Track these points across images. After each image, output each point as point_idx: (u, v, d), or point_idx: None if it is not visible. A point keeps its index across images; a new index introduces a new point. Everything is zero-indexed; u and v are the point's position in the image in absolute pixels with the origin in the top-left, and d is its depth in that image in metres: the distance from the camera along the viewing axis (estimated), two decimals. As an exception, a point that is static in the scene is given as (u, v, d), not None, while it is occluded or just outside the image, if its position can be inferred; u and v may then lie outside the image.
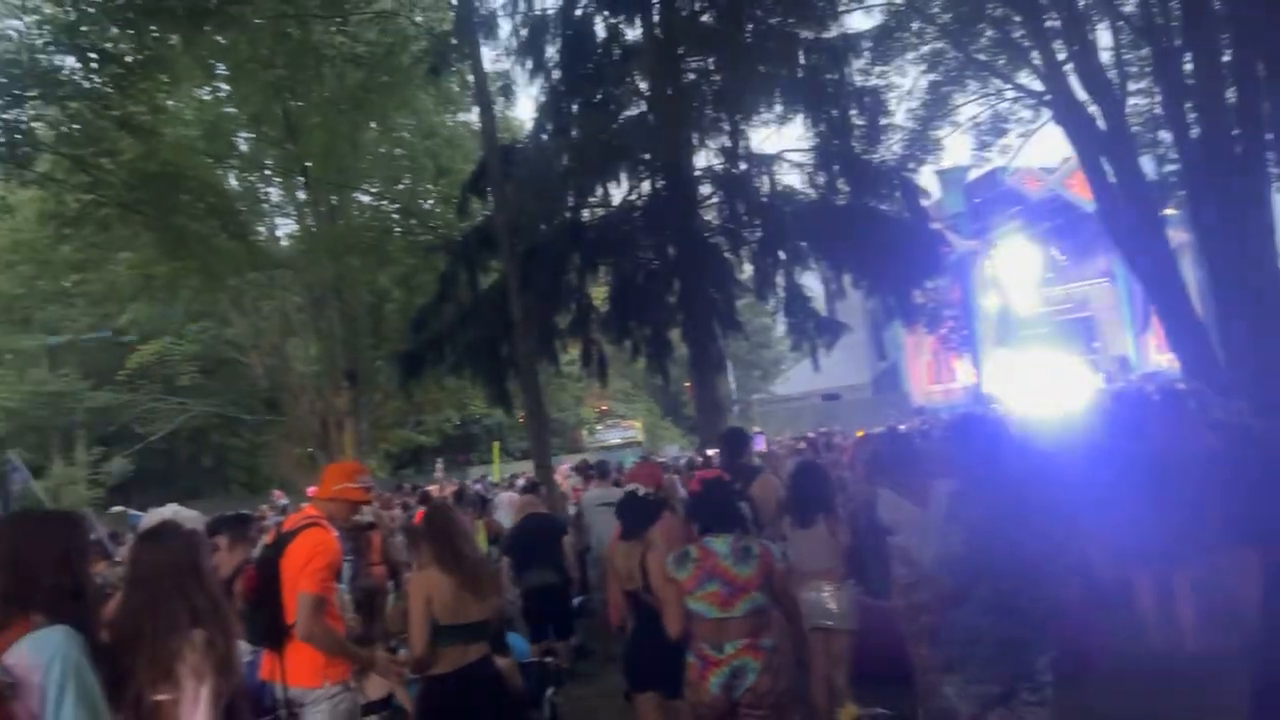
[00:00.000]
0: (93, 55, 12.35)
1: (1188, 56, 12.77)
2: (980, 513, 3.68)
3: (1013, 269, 32.39)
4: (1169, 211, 18.14)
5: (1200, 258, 14.99)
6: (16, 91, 12.21)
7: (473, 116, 24.71)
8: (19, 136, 12.61)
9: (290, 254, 23.22)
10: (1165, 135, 14.44)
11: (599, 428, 38.00)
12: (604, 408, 38.49)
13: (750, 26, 14.35)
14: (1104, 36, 14.94)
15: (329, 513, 4.05)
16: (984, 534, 3.69)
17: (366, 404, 24.33)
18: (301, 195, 23.48)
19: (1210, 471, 6.44)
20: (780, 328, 20.77)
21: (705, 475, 4.36)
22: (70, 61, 12.64)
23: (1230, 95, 12.06)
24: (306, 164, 19.80)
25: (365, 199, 23.70)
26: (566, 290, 15.04)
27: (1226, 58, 12.15)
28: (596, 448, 33.54)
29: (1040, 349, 30.97)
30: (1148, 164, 15.61)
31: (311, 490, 4.49)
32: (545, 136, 15.19)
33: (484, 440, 35.13)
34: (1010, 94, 16.92)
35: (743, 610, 3.76)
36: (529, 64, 15.14)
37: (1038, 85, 15.29)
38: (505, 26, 15.71)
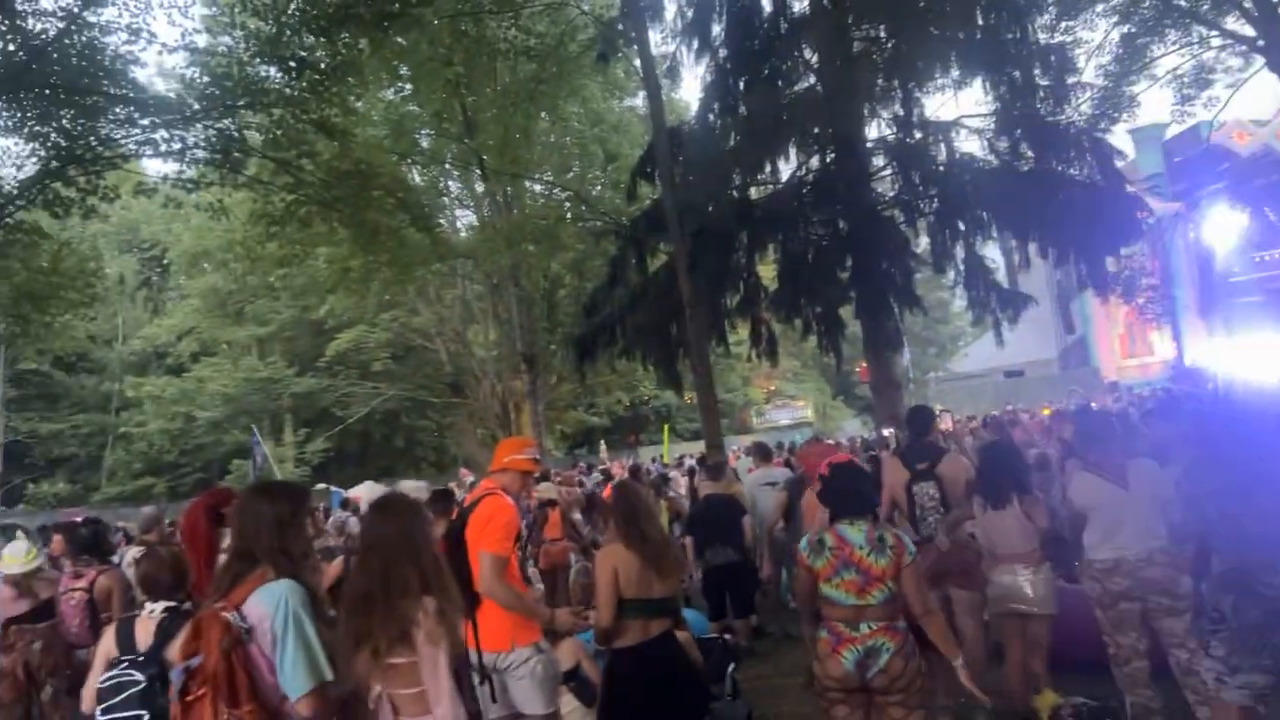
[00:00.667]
0: (292, 64, 13.32)
1: None
2: (1211, 489, 3.48)
3: (1219, 232, 29.69)
4: None
5: None
6: (229, 103, 13.33)
7: (639, 101, 25.07)
8: (232, 143, 13.79)
9: (470, 244, 24.29)
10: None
11: (768, 408, 37.73)
12: (772, 388, 38.17)
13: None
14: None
15: (503, 484, 4.27)
16: (1210, 510, 3.48)
17: (542, 386, 25.18)
18: (479, 187, 24.50)
19: None
20: (959, 302, 19.91)
21: (836, 460, 4.28)
22: (273, 71, 13.69)
23: None
24: (483, 157, 20.59)
25: (538, 188, 24.47)
26: (735, 270, 15.00)
27: None
28: (765, 428, 33.34)
29: (1252, 318, 28.29)
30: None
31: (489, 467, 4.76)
32: (712, 116, 15.15)
33: (653, 421, 35.66)
34: (1216, 41, 15.53)
35: (879, 599, 3.70)
36: (695, 43, 15.12)
37: (1248, 30, 13.99)
38: (671, 8, 15.76)
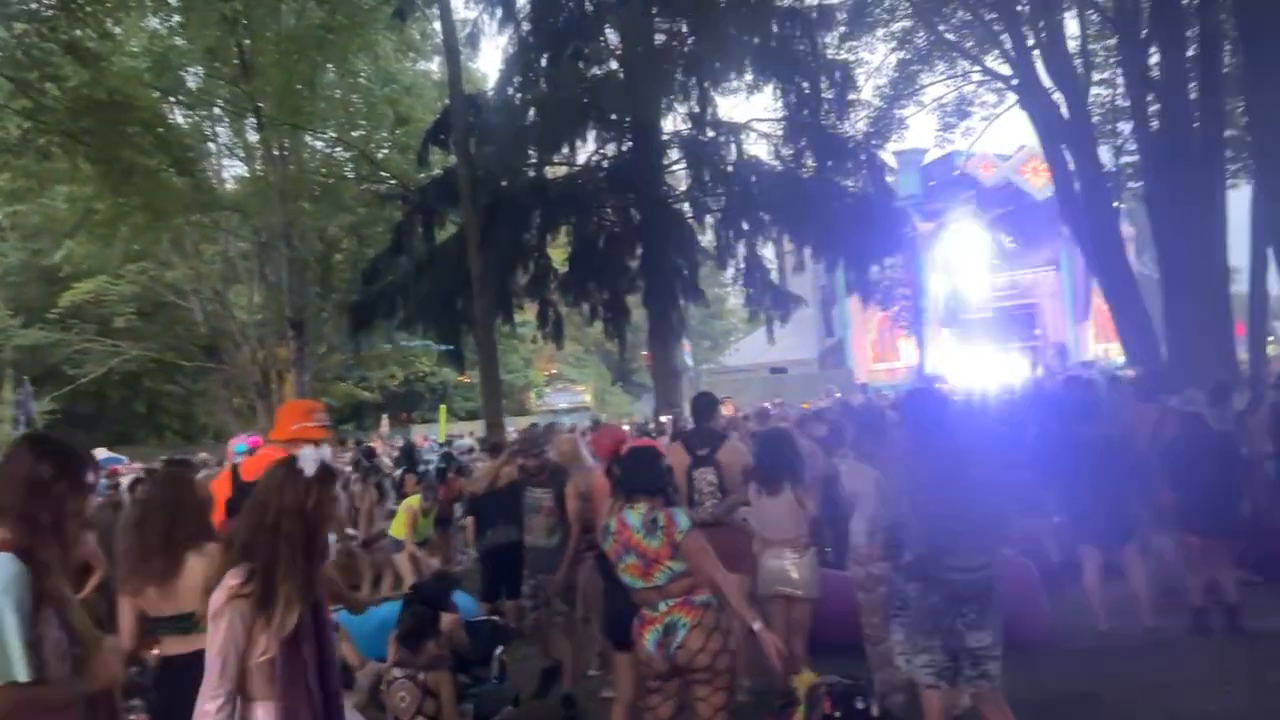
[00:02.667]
0: (39, -27, 11.75)
1: (1154, 49, 12.95)
2: (920, 480, 3.71)
3: (962, 253, 32.82)
4: (1119, 205, 18.52)
5: (1153, 248, 15.33)
6: (-45, 8, 11.57)
7: (436, 65, 24.18)
8: (-44, 55, 11.99)
9: (238, 196, 22.47)
10: (1124, 126, 14.65)
11: (548, 391, 37.78)
12: (554, 371, 38.27)
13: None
14: (1072, 25, 15.08)
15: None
16: (922, 501, 3.73)
17: (310, 355, 23.79)
18: (252, 137, 22.71)
19: (1161, 458, 6.62)
20: (733, 298, 20.77)
21: (636, 444, 4.30)
22: (14, -20, 12.02)
23: (1192, 90, 12.27)
24: (259, 104, 19.11)
25: (319, 144, 23.02)
26: (526, 248, 14.83)
27: (1191, 52, 12.34)
28: (543, 411, 33.34)
29: (984, 333, 31.60)
30: (1105, 154, 15.84)
31: (270, 435, 4.31)
32: (511, 89, 14.88)
33: (428, 399, 34.72)
34: (977, 76, 17.03)
35: (662, 579, 3.68)
36: (499, 13, 14.78)
37: (1005, 69, 15.40)
38: (475, -29, 15.30)
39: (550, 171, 15.18)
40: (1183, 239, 12.16)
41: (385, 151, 22.73)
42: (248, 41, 19.14)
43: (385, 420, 25.65)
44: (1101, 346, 30.63)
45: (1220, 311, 12.02)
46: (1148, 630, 6.01)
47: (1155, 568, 6.53)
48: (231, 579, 2.41)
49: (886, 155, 17.40)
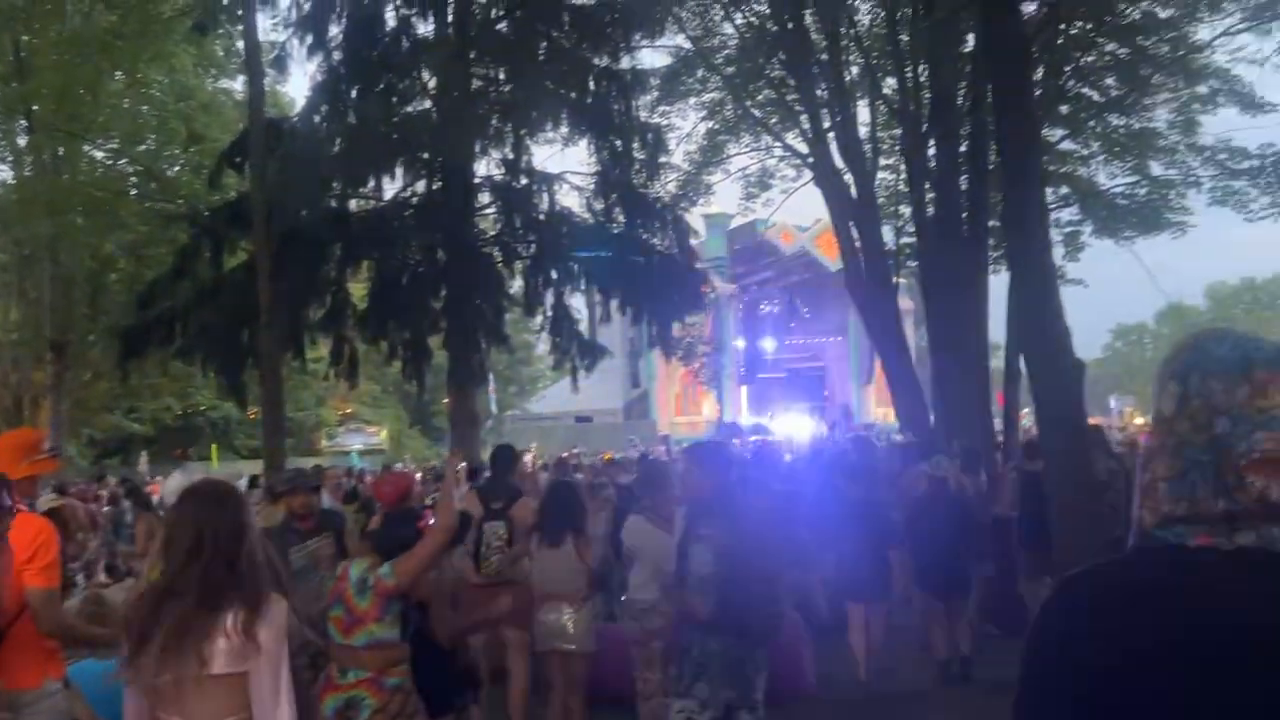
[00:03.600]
0: None
1: (931, 142, 14.17)
2: (724, 533, 3.78)
3: (760, 316, 34.59)
4: (898, 280, 20.04)
5: (925, 322, 16.64)
6: None
7: (238, 85, 23.02)
8: None
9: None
10: (905, 209, 15.89)
11: (340, 431, 36.11)
12: (348, 411, 36.68)
13: (545, 45, 14.34)
14: (864, 113, 16.29)
15: (22, 493, 3.49)
16: (728, 555, 3.81)
17: (71, 381, 21.72)
18: (21, 140, 20.73)
19: (912, 520, 7.10)
20: (543, 345, 20.79)
21: (403, 509, 4.25)
22: None
23: (963, 181, 13.50)
24: (33, 106, 17.50)
25: (99, 154, 21.30)
26: (323, 282, 14.23)
27: (964, 148, 13.59)
28: (334, 452, 31.85)
29: (778, 392, 33.30)
30: (888, 233, 17.12)
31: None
32: (318, 118, 14.36)
33: (208, 434, 32.36)
34: (779, 152, 18.00)
35: (360, 642, 3.55)
36: (309, 39, 14.28)
37: (803, 148, 16.40)
38: (286, -4, 14.75)
39: (356, 204, 14.72)
40: (950, 315, 13.27)
41: (176, 170, 21.34)
42: (25, 38, 17.55)
43: (145, 458, 23.66)
44: (881, 410, 32.91)
45: (981, 383, 13.16)
46: (861, 684, 6.33)
47: (915, 623, 6.98)
48: None
49: (694, 218, 18.06)
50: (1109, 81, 14.91)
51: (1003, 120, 8.47)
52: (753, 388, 34.52)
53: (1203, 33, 14.32)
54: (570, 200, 15.50)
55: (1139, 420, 28.18)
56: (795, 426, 26.29)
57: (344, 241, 13.93)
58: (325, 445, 34.47)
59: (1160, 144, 15.46)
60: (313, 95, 14.60)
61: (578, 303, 16.64)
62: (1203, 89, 15.08)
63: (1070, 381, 7.49)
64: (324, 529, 5.20)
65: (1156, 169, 15.68)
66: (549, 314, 15.24)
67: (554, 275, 14.86)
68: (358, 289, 15.45)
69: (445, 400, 24.14)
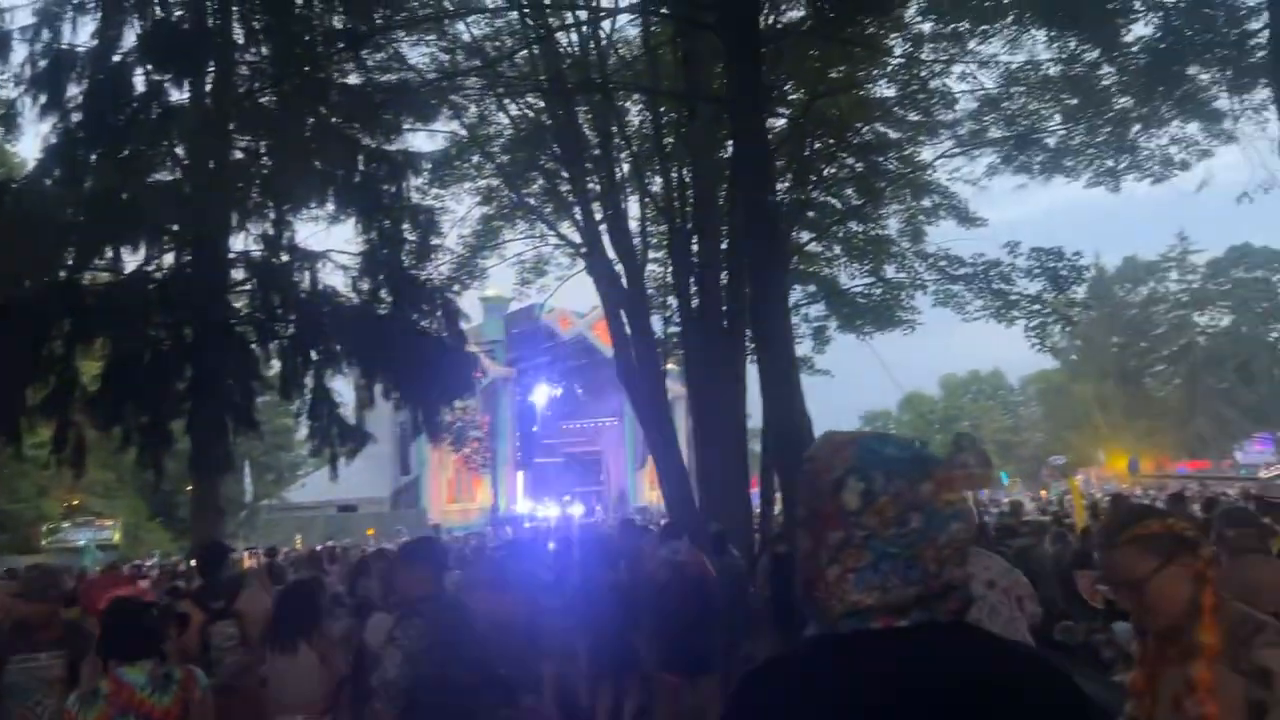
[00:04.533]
0: None
1: (695, 237, 14.96)
2: (420, 638, 3.60)
3: (539, 399, 34.63)
4: (669, 366, 20.80)
5: (689, 408, 17.27)
6: None
7: (-44, 139, 20.69)
8: None
9: None
10: (673, 300, 16.59)
11: (65, 525, 32.16)
12: (75, 502, 32.80)
13: (312, 121, 13.96)
14: (635, 208, 17.00)
15: None
16: (422, 662, 3.64)
17: None
18: None
19: (657, 602, 7.25)
20: (303, 430, 19.69)
21: (120, 596, 3.87)
22: None
23: (724, 275, 14.31)
24: None
25: None
26: (48, 360, 12.80)
27: (725, 245, 14.44)
28: (58, 549, 28.29)
29: (555, 477, 33.26)
30: (657, 323, 17.80)
31: None
32: (50, 181, 13.11)
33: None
34: (554, 240, 18.37)
35: None
36: (43, 98, 13.12)
37: (577, 237, 16.85)
38: (21, 51, 13.52)
39: (89, 277, 13.43)
40: (711, 403, 13.88)
41: None
42: None
43: None
44: (655, 493, 33.65)
45: (740, 468, 13.77)
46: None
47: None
48: None
49: (470, 300, 17.92)
50: (849, 192, 16.45)
51: (749, 223, 9.09)
52: (529, 472, 34.29)
53: (926, 154, 16.20)
54: (335, 279, 14.98)
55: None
56: (570, 511, 26.29)
57: (74, 317, 12.64)
58: (47, 541, 30.54)
59: (893, 249, 17.18)
60: (45, 158, 13.35)
61: (340, 386, 15.94)
62: (927, 203, 16.97)
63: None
64: (68, 645, 4.45)
65: (890, 271, 17.38)
66: (308, 397, 14.48)
67: (314, 356, 14.19)
68: (90, 367, 14.01)
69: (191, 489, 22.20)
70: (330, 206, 14.74)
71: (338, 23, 14.41)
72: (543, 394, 34.31)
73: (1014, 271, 15.57)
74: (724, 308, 14.16)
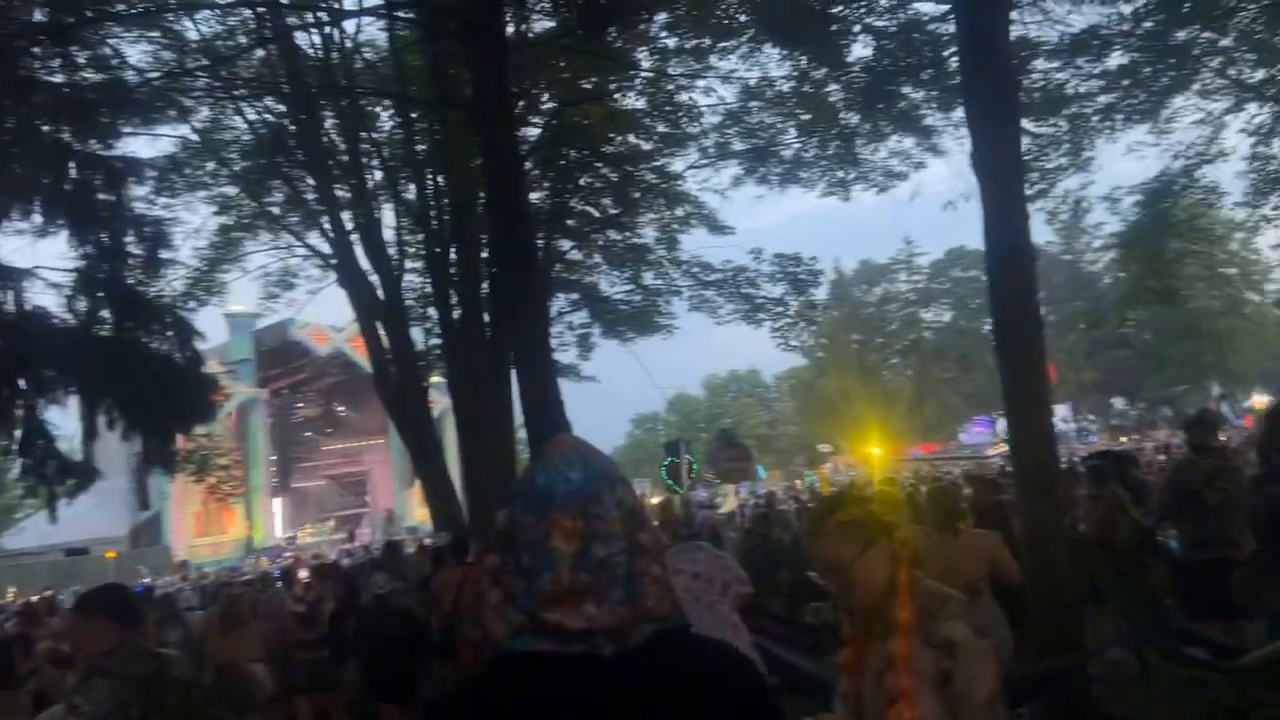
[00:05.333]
0: None
1: (455, 247, 14.67)
2: (103, 702, 3.20)
3: (295, 419, 32.70)
4: (435, 379, 20.32)
5: (456, 423, 16.91)
6: None
7: None
8: None
9: None
10: (433, 312, 16.20)
11: None
12: None
13: (13, 123, 12.41)
14: (390, 216, 16.44)
15: None
16: None
17: None
18: None
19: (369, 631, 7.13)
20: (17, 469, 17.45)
21: None
22: None
23: (485, 286, 14.12)
24: None
25: None
26: None
27: (485, 254, 14.25)
28: None
29: (316, 501, 31.50)
30: (419, 335, 17.33)
31: None
32: None
33: None
34: (302, 251, 17.42)
35: None
36: None
37: (327, 248, 16.06)
38: None
39: None
40: (478, 415, 13.63)
41: None
42: None
43: None
44: (425, 511, 32.75)
45: (510, 483, 13.61)
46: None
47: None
48: None
49: (210, 318, 16.63)
50: (606, 200, 16.77)
51: (500, 232, 9.01)
52: (287, 499, 32.30)
53: (677, 164, 16.82)
54: (46, 299, 13.36)
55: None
56: (332, 537, 25.04)
57: None
58: None
59: (650, 257, 17.70)
60: None
61: (60, 417, 14.26)
62: (680, 212, 17.61)
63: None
64: None
65: (648, 279, 17.90)
66: (19, 432, 12.83)
67: (23, 386, 12.59)
68: None
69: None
70: (37, 218, 13.14)
71: (40, 14, 12.92)
72: (299, 414, 32.43)
73: (759, 277, 16.51)
74: (486, 318, 13.97)
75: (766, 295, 16.69)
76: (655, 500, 31.10)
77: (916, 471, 22.23)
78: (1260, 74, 15.16)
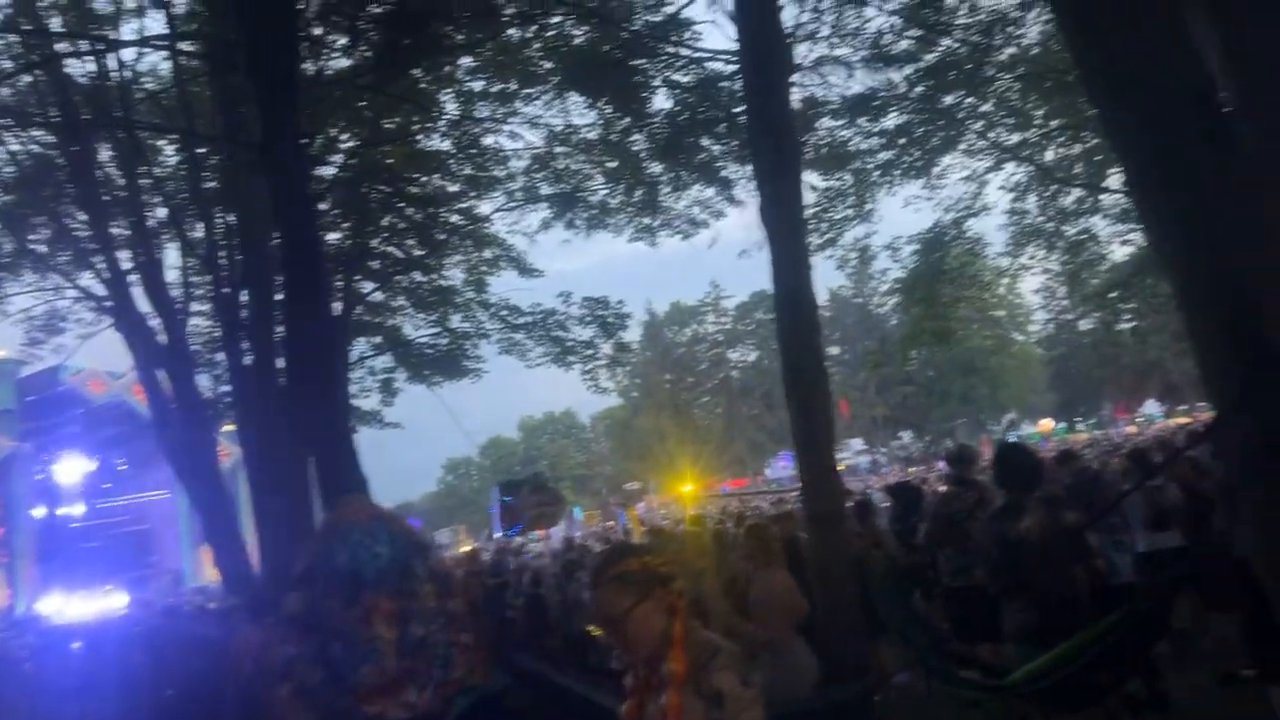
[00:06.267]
0: None
1: (245, 289, 13.88)
2: None
3: (68, 475, 29.72)
4: (228, 427, 19.07)
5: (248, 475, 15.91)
6: None
7: None
8: None
9: None
10: (223, 357, 15.26)
11: None
12: None
13: None
14: (174, 256, 15.42)
15: None
16: None
17: None
18: None
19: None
20: None
21: None
22: None
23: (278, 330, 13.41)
24: None
25: None
26: None
27: (278, 296, 13.55)
28: None
29: (90, 564, 28.62)
30: (206, 382, 16.25)
31: None
32: None
33: None
34: (72, 293, 16.06)
35: None
36: None
37: (101, 289, 14.89)
38: None
39: None
40: (272, 467, 12.85)
41: None
42: None
43: None
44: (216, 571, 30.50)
45: (298, 535, 12.89)
46: None
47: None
48: None
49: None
50: (410, 242, 16.41)
51: (289, 273, 8.62)
52: (54, 563, 29.22)
53: (485, 206, 16.73)
54: None
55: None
56: (107, 604, 22.87)
57: None
58: None
59: (458, 300, 17.44)
60: None
61: None
62: (488, 254, 17.49)
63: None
64: None
65: (456, 321, 17.62)
66: None
67: None
68: None
69: None
70: None
71: None
72: (71, 469, 29.52)
73: (569, 320, 16.61)
74: (280, 363, 13.27)
75: (576, 338, 16.81)
76: (465, 548, 30.53)
77: (725, 508, 22.89)
78: (1016, 137, 16.82)
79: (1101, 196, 16.90)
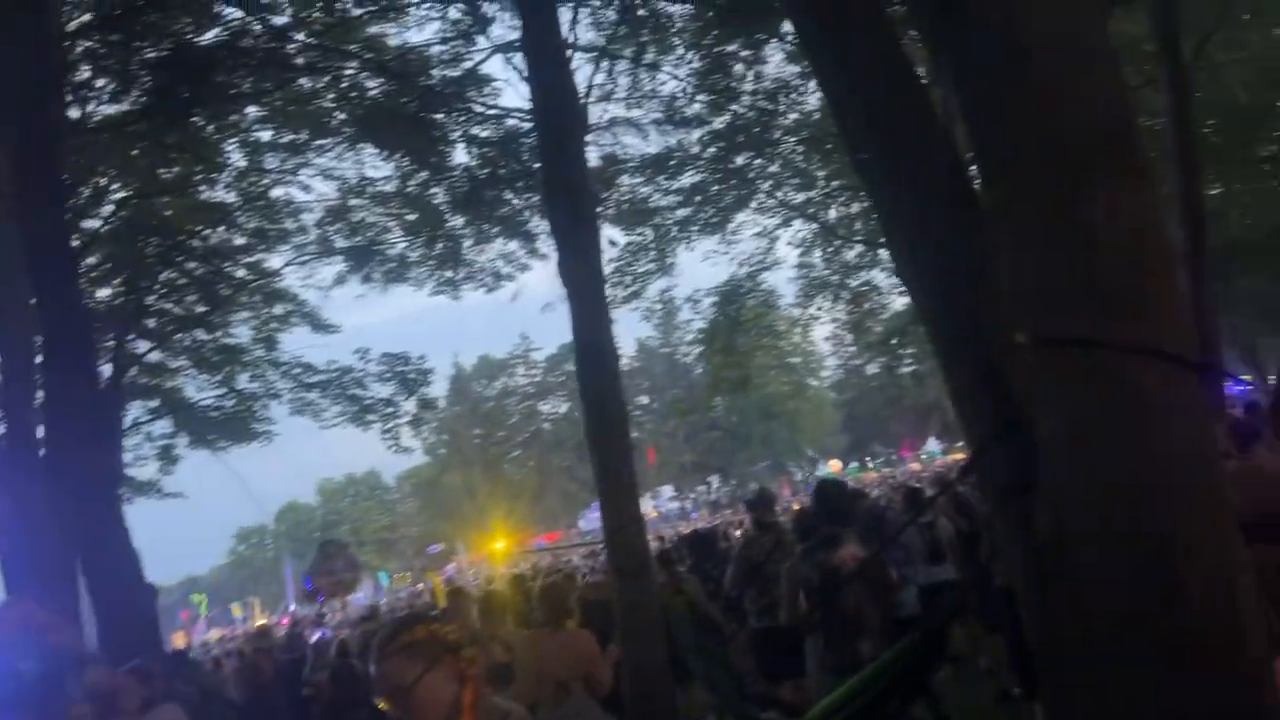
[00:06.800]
0: None
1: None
2: None
3: None
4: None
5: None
6: None
7: None
8: None
9: None
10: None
11: None
12: None
13: None
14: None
15: None
16: None
17: None
18: None
19: None
20: None
21: None
22: None
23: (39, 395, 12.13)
24: None
25: None
26: None
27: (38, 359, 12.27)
28: None
29: None
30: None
31: None
32: None
33: None
34: None
35: None
36: None
37: None
38: None
39: None
40: (33, 550, 11.51)
41: None
42: None
43: None
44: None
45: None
46: None
47: None
48: None
49: None
50: (192, 298, 15.37)
51: (49, 333, 7.88)
52: None
53: (275, 260, 15.93)
54: None
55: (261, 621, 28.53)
56: None
57: None
58: None
59: (245, 359, 16.43)
60: None
61: None
62: (279, 309, 16.63)
63: (143, 610, 7.05)
64: None
65: (243, 382, 16.57)
66: None
67: None
68: None
69: None
70: None
71: None
72: None
73: (367, 377, 16.01)
74: (40, 433, 11.97)
75: (374, 396, 16.21)
76: (260, 622, 28.52)
77: (535, 564, 22.62)
78: (801, 196, 17.93)
79: (880, 251, 18.26)
